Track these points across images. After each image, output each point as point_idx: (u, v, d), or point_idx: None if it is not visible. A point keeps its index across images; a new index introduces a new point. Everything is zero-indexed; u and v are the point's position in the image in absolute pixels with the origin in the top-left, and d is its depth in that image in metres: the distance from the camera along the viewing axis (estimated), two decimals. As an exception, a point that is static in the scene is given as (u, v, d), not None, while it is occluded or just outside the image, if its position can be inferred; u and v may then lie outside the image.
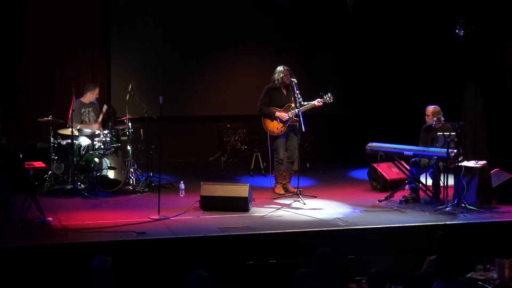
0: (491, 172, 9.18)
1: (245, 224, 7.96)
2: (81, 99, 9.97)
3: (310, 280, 6.11)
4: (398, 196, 9.26)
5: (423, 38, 12.28)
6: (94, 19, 11.74)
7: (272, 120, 9.51)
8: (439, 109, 9.20)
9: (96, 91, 10.05)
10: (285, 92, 9.55)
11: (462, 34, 11.14)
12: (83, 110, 9.96)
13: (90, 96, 10.01)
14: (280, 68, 9.52)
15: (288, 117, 9.42)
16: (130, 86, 10.05)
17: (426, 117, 9.22)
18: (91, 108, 10.07)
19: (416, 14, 12.10)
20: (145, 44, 12.09)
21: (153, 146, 10.04)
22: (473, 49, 11.46)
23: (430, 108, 9.21)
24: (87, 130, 9.79)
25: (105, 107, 10.12)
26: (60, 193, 9.25)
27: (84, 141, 9.75)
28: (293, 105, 9.40)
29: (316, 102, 9.47)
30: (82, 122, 9.89)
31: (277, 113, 9.45)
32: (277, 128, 9.51)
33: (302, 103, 9.37)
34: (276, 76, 9.50)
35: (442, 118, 9.17)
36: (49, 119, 9.43)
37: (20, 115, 11.20)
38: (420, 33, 12.29)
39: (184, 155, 12.31)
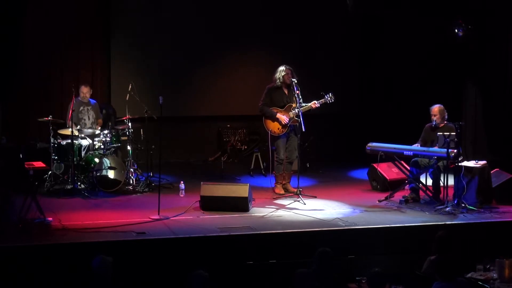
0: (491, 172, 9.17)
1: (245, 224, 7.95)
2: (79, 98, 10.04)
3: (310, 280, 6.10)
4: (398, 196, 9.24)
5: (423, 38, 12.27)
6: (94, 19, 11.75)
7: (273, 121, 9.50)
8: (443, 107, 9.18)
9: (82, 88, 10.11)
10: (286, 92, 9.52)
11: (461, 34, 11.14)
12: (81, 108, 10.05)
13: (81, 94, 10.08)
14: (281, 67, 9.48)
15: (288, 121, 9.40)
16: (130, 86, 10.05)
17: (433, 116, 9.14)
18: (90, 107, 10.14)
19: (416, 14, 12.09)
20: (145, 44, 12.09)
21: (153, 146, 10.03)
22: (473, 49, 11.46)
23: (436, 108, 9.15)
24: (88, 130, 9.80)
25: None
26: (60, 193, 9.25)
27: (84, 141, 9.76)
28: (294, 105, 9.38)
29: (312, 104, 9.42)
30: (80, 119, 9.95)
31: (278, 115, 9.41)
32: (278, 128, 9.48)
33: (302, 104, 9.36)
34: (277, 75, 9.46)
35: (446, 117, 9.17)
36: (49, 119, 9.46)
37: (20, 115, 11.21)
38: (420, 33, 12.28)
39: (184, 155, 12.31)
